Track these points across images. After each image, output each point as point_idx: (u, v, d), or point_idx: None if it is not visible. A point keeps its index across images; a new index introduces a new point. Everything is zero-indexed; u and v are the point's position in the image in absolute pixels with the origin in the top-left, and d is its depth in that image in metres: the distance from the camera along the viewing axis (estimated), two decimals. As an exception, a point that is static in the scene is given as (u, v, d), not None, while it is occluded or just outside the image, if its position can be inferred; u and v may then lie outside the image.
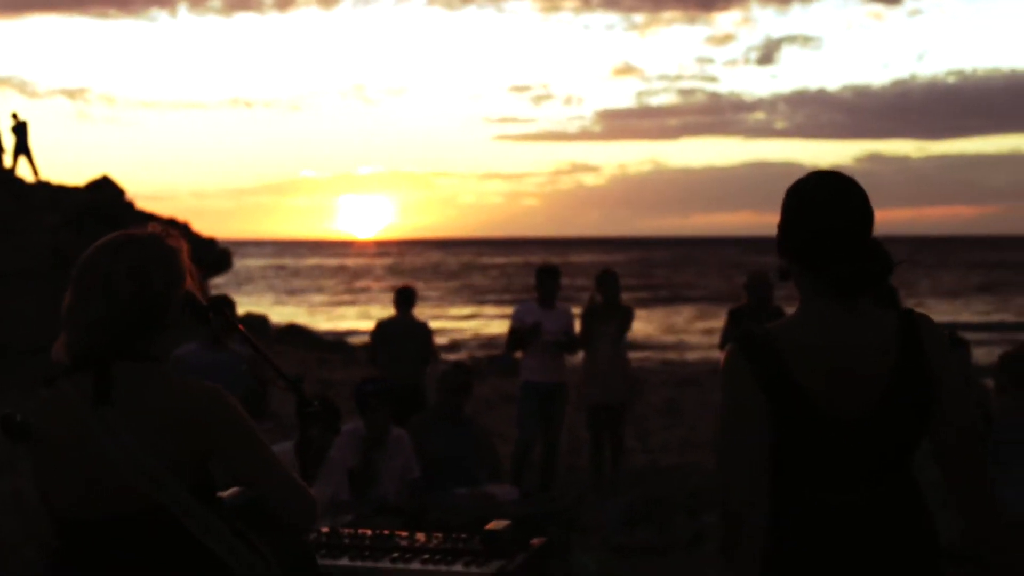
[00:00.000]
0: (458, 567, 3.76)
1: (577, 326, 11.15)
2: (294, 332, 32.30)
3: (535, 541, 3.88)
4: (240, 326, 3.64)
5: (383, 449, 7.62)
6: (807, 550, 3.00)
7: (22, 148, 28.45)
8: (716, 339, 14.03)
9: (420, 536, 3.92)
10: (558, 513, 8.20)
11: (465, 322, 50.71)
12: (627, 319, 11.29)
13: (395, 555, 3.89)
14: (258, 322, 29.81)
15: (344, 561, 3.98)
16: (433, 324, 13.50)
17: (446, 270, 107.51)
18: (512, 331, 11.15)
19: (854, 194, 3.05)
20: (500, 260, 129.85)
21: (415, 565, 3.82)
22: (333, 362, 24.49)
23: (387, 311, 12.83)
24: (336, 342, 33.10)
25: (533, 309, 11.12)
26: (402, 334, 12.14)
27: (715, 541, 8.42)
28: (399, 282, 13.30)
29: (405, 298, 12.35)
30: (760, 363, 2.96)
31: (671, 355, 33.69)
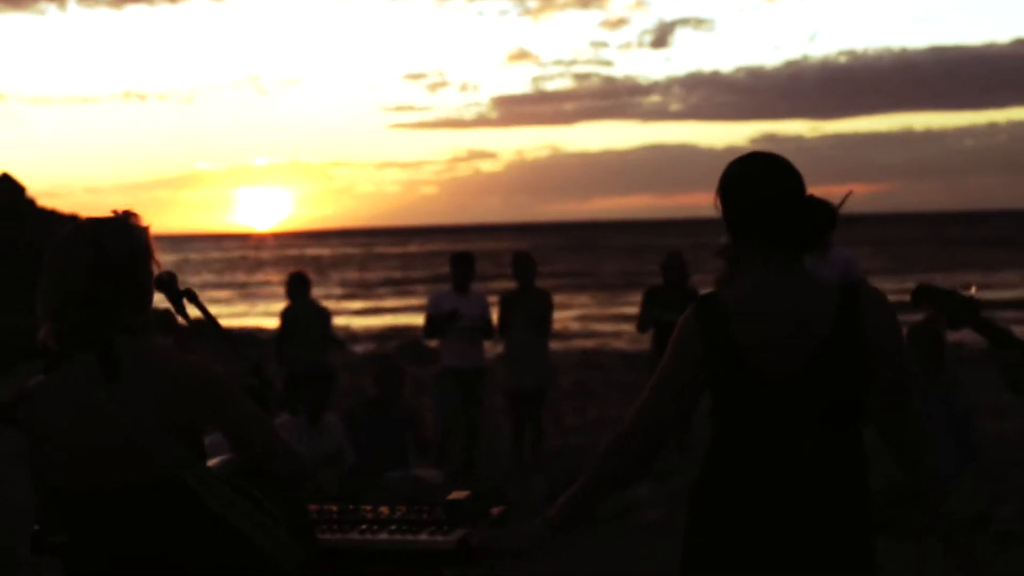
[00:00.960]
0: (423, 536, 3.98)
1: (494, 313, 11.43)
2: (202, 327, 32.07)
3: (494, 510, 4.13)
4: (213, 317, 3.86)
5: (316, 431, 7.85)
6: (738, 501, 3.26)
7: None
8: (620, 323, 14.39)
9: (384, 509, 4.13)
10: (487, 492, 8.49)
11: (370, 312, 50.71)
12: (545, 304, 11.57)
13: (363, 527, 4.10)
14: (165, 317, 29.55)
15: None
16: (337, 316, 13.68)
17: (346, 260, 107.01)
18: (429, 317, 11.39)
19: (783, 163, 3.35)
20: (399, 249, 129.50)
21: (383, 536, 4.02)
22: (250, 356, 24.40)
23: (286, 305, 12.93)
24: (247, 335, 32.95)
25: (449, 295, 11.38)
26: (304, 320, 12.39)
27: (643, 511, 8.74)
28: (292, 270, 13.38)
29: (299, 283, 12.62)
30: (708, 324, 3.25)
31: (578, 339, 34.09)
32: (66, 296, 3.09)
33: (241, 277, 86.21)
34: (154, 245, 3.30)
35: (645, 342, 13.37)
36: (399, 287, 67.34)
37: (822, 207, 3.33)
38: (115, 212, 3.27)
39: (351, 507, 4.10)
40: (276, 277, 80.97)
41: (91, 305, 3.08)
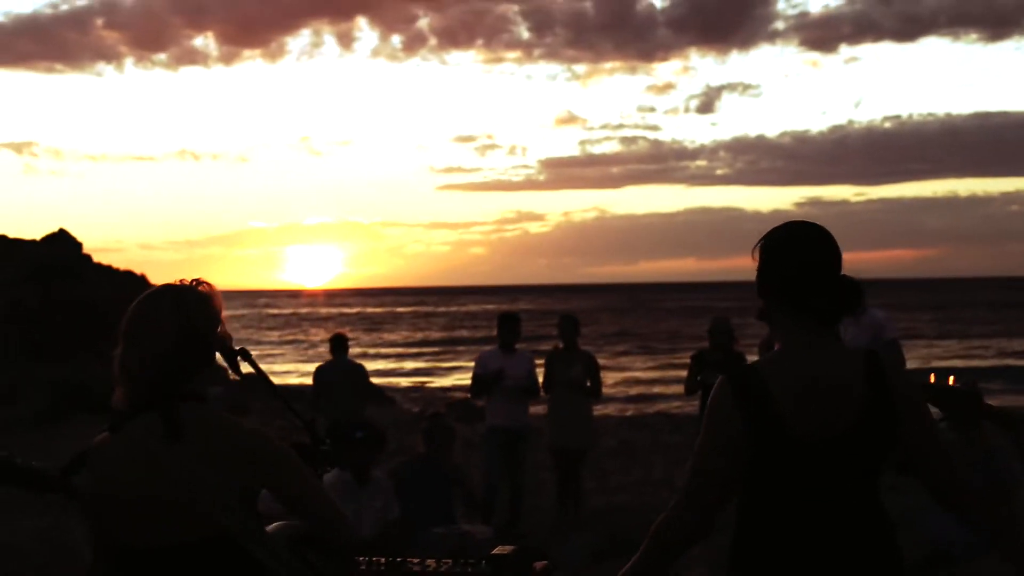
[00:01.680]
0: (468, 588, 4.13)
1: (540, 373, 11.58)
2: (252, 381, 32.38)
3: (538, 565, 4.24)
4: (266, 376, 4.00)
5: (365, 491, 7.95)
6: (777, 561, 3.33)
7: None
8: (667, 384, 14.52)
9: (431, 562, 4.27)
10: (532, 549, 8.58)
11: (420, 372, 50.86)
12: (589, 365, 11.70)
13: (409, 579, 4.25)
14: (218, 372, 29.84)
15: (363, 585, 4.32)
16: (385, 372, 14.07)
17: (395, 318, 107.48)
18: (476, 377, 11.58)
19: (825, 236, 3.46)
20: (448, 308, 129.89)
21: (428, 587, 4.19)
22: (299, 409, 24.59)
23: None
24: (298, 390, 33.22)
25: (496, 355, 11.56)
26: (340, 377, 13.04)
27: (688, 572, 8.79)
28: (350, 329, 14.11)
29: (339, 344, 13.42)
30: (744, 393, 3.34)
31: (623, 400, 34.04)
32: (145, 359, 3.21)
33: (291, 334, 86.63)
34: (220, 310, 3.42)
35: (692, 404, 13.45)
36: (447, 346, 67.52)
37: (852, 287, 3.43)
38: (194, 280, 3.40)
39: (398, 560, 4.24)
40: (325, 334, 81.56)
41: (168, 369, 3.21)
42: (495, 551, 4.13)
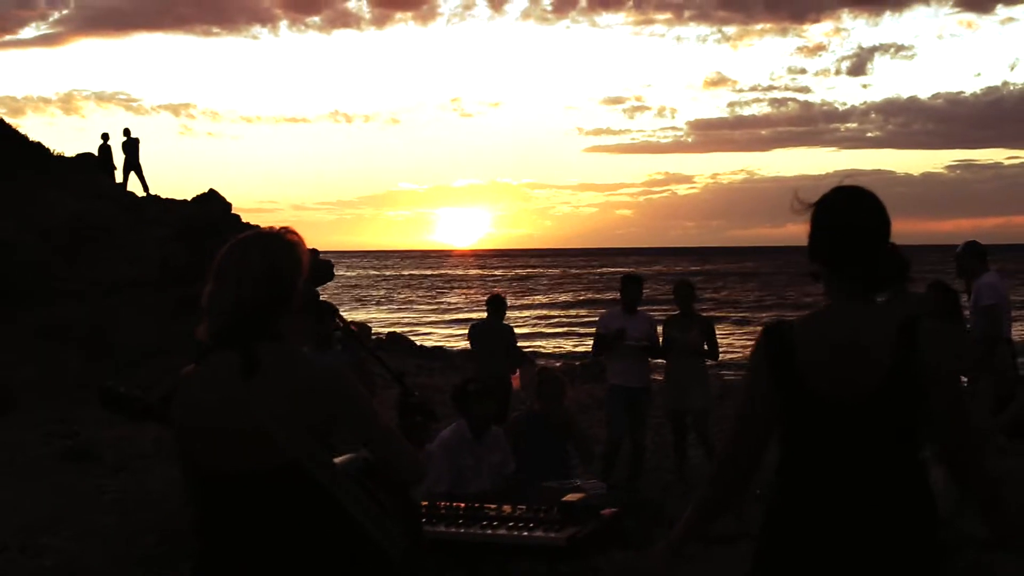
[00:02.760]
0: (538, 532, 4.32)
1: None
2: (394, 340, 33.07)
3: (606, 512, 4.42)
4: (353, 326, 4.24)
5: (483, 445, 8.15)
6: (804, 519, 3.40)
7: (133, 164, 29.51)
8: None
9: (506, 507, 4.48)
10: (642, 504, 8.75)
11: (560, 334, 51.11)
12: (707, 329, 11.83)
13: (484, 523, 4.46)
14: (360, 330, 30.53)
15: (441, 528, 4.55)
16: (529, 330, 14.47)
17: (541, 279, 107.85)
18: (598, 336, 11.79)
19: (870, 203, 3.49)
20: (594, 270, 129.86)
21: (502, 531, 4.39)
22: (432, 368, 25.09)
23: (480, 317, 14.28)
24: (435, 349, 33.82)
25: (618, 315, 11.77)
26: (491, 336, 13.55)
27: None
28: (493, 292, 14.67)
29: (496, 305, 13.90)
30: (775, 352, 3.44)
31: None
32: (233, 299, 3.44)
33: (439, 293, 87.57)
34: (306, 258, 3.60)
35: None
36: (592, 308, 67.69)
37: (895, 260, 3.48)
38: (282, 229, 3.62)
39: (476, 504, 4.46)
40: (471, 293, 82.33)
41: (249, 309, 3.43)
42: (564, 498, 4.33)
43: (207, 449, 3.45)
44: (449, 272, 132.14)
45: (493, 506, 4.61)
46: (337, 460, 3.52)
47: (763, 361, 3.46)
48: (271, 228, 3.64)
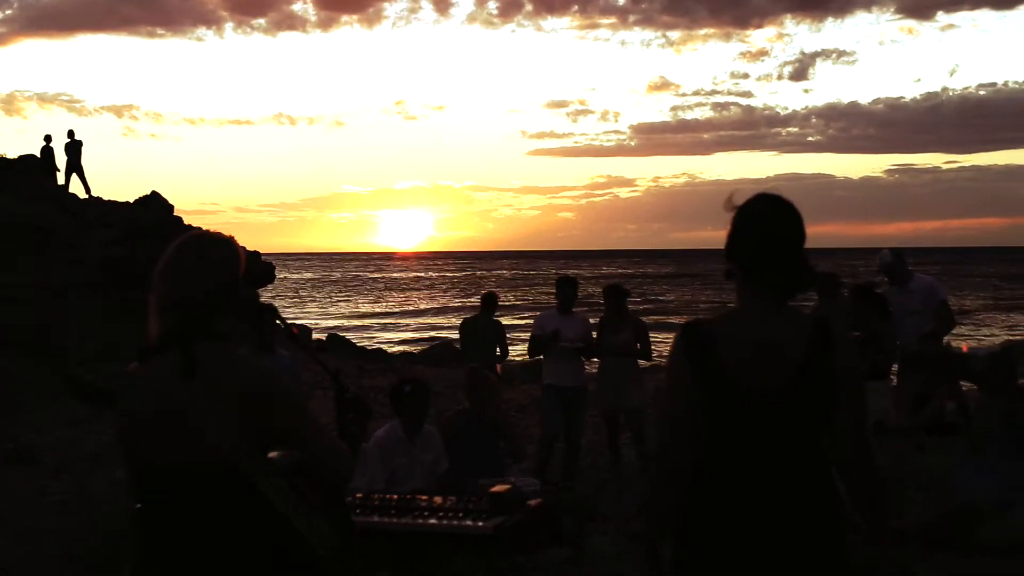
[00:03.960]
0: (467, 522, 4.55)
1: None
2: (335, 341, 33.16)
3: (532, 502, 4.65)
4: (294, 329, 4.45)
5: (416, 445, 8.35)
6: (721, 504, 3.55)
7: (75, 166, 29.39)
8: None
9: (437, 499, 4.70)
10: (577, 502, 8.99)
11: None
12: (640, 329, 12.11)
13: (415, 513, 4.69)
14: (300, 332, 30.50)
15: (375, 518, 4.78)
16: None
17: (484, 282, 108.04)
18: (533, 337, 12.05)
19: (791, 214, 3.66)
20: (536, 272, 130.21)
21: (432, 520, 4.62)
22: (372, 370, 25.21)
23: (422, 322, 14.56)
24: (375, 350, 34.01)
25: (553, 316, 12.03)
26: (482, 331, 13.84)
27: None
28: (436, 293, 15.02)
29: (489, 302, 14.38)
30: (694, 349, 3.58)
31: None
32: (174, 300, 3.61)
33: (381, 295, 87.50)
34: (244, 261, 3.79)
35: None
36: (532, 310, 67.89)
37: (808, 271, 3.67)
38: (219, 233, 3.86)
39: (408, 496, 4.68)
40: (415, 296, 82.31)
41: (190, 311, 3.60)
42: (492, 489, 4.56)
43: (145, 444, 3.60)
44: (391, 275, 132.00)
45: (425, 498, 4.84)
46: (270, 456, 3.66)
47: (683, 358, 3.61)
48: (208, 231, 3.81)
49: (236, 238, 3.87)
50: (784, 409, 3.53)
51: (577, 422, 11.88)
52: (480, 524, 4.63)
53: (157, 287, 3.65)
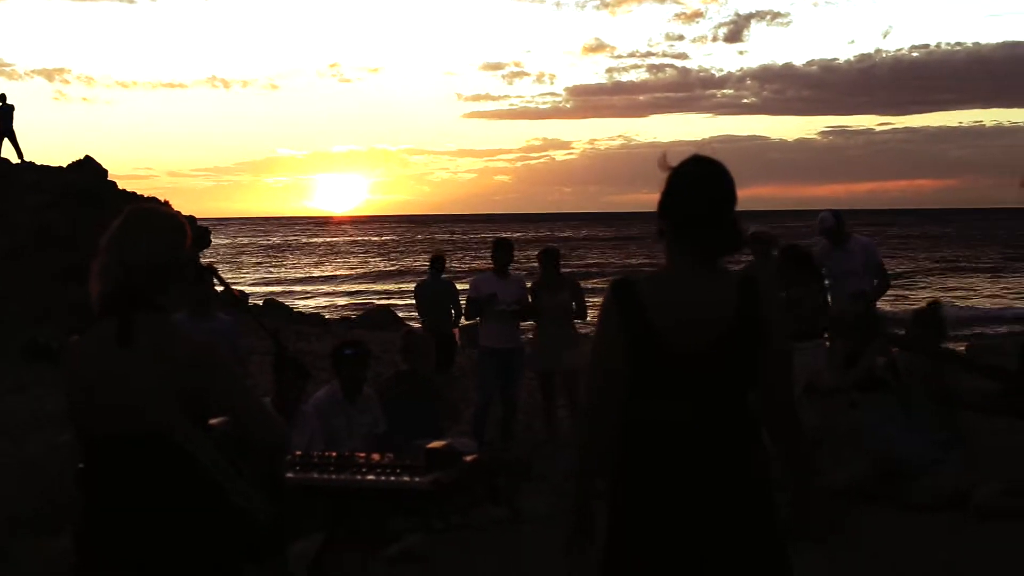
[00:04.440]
0: (404, 478, 4.70)
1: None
2: (272, 306, 33.11)
3: (468, 458, 4.80)
4: (235, 291, 4.54)
5: (355, 406, 8.49)
6: (649, 460, 3.67)
7: (6, 130, 29.02)
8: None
9: (375, 456, 4.84)
10: (512, 462, 9.16)
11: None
12: (575, 290, 12.25)
13: (353, 470, 4.82)
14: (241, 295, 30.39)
15: (313, 475, 4.91)
16: (403, 298, 14.92)
17: (420, 246, 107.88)
18: (470, 300, 12.18)
19: (723, 177, 3.77)
20: (472, 236, 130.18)
21: (370, 477, 4.76)
22: (310, 334, 25.22)
23: (359, 287, 14.78)
24: (313, 315, 34.02)
25: (490, 279, 12.15)
26: (436, 292, 14.34)
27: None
28: (373, 257, 15.21)
29: (437, 264, 14.83)
30: (625, 306, 3.68)
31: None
32: (118, 271, 3.71)
33: (317, 259, 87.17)
34: (190, 236, 3.90)
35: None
36: (472, 273, 67.95)
37: (738, 232, 3.77)
38: (167, 202, 3.99)
39: (347, 454, 4.82)
40: (351, 260, 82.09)
41: (132, 282, 3.71)
42: (428, 446, 4.71)
43: (86, 413, 3.73)
44: (327, 239, 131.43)
45: (363, 455, 4.97)
46: (213, 422, 3.79)
47: (614, 312, 3.71)
48: (161, 206, 3.93)
49: (171, 203, 3.96)
50: (711, 366, 3.64)
51: (513, 384, 12.02)
52: (417, 480, 4.77)
53: (101, 256, 3.75)
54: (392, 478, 4.81)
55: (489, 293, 11.82)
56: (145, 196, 28.25)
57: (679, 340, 3.63)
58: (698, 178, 3.77)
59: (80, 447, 3.84)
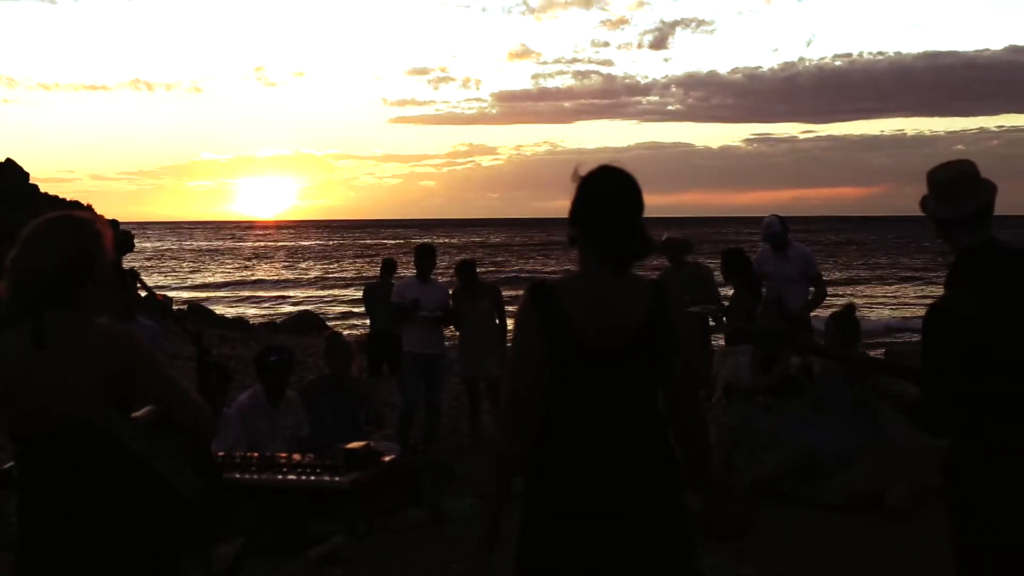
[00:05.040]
0: (325, 477, 4.78)
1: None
2: (195, 311, 32.92)
3: (386, 458, 4.90)
4: (159, 295, 4.60)
5: (278, 409, 8.55)
6: (566, 458, 3.74)
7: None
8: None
9: (296, 456, 4.92)
10: (435, 465, 9.26)
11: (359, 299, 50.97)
12: (495, 297, 12.45)
13: (275, 470, 4.90)
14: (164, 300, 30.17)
15: (235, 475, 4.98)
16: (329, 303, 14.99)
17: (345, 251, 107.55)
18: (393, 305, 12.23)
19: (632, 187, 3.88)
20: (398, 241, 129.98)
21: (291, 476, 4.84)
22: (234, 339, 25.12)
23: (284, 292, 14.78)
24: (236, 319, 33.83)
25: (413, 284, 12.22)
26: (384, 296, 13.93)
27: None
28: (297, 262, 15.28)
29: (388, 267, 15.14)
30: (543, 309, 3.77)
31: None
32: (33, 272, 3.74)
33: (241, 265, 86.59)
34: (110, 243, 3.94)
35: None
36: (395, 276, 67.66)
37: (646, 241, 3.87)
38: (89, 206, 4.05)
39: (268, 454, 4.90)
40: (275, 265, 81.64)
41: (48, 285, 3.75)
42: (348, 446, 4.80)
43: (10, 413, 3.79)
44: (252, 244, 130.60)
45: (284, 456, 5.05)
46: (134, 415, 3.87)
47: (532, 314, 3.79)
48: (82, 213, 3.97)
49: (94, 206, 4.01)
50: (627, 366, 3.75)
51: (437, 388, 12.11)
52: (337, 479, 4.86)
53: (20, 255, 3.78)
54: (313, 477, 4.89)
55: (412, 299, 11.90)
56: (68, 200, 28.02)
57: (597, 341, 3.73)
58: (605, 188, 3.87)
59: (10, 446, 3.88)
